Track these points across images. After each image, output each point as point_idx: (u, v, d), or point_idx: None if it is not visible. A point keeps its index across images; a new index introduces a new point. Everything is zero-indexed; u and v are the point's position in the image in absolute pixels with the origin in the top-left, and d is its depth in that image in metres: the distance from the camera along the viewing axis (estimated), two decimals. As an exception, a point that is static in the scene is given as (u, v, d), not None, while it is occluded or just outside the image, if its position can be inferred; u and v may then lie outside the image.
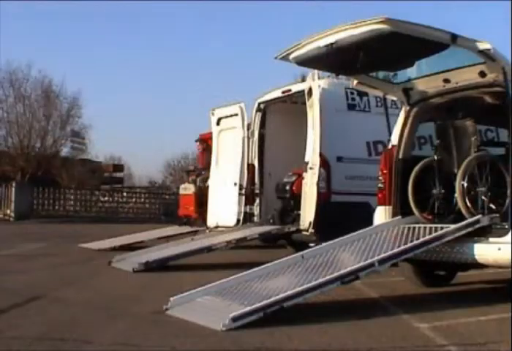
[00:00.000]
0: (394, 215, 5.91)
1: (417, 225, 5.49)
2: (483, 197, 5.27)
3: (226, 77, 73.38)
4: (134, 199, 27.17)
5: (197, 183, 11.85)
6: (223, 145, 10.09)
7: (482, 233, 5.01)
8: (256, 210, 9.24)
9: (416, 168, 5.78)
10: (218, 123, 10.14)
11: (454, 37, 4.80)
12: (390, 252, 4.83)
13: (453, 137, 5.69)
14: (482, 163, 5.35)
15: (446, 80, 5.67)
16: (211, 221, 9.91)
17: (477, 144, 5.54)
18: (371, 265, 4.69)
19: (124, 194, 28.43)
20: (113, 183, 44.71)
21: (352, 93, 8.36)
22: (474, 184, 5.31)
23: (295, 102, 9.15)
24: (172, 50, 73.27)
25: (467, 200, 5.28)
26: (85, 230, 15.46)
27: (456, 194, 5.35)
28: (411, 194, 5.76)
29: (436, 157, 5.80)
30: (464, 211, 5.28)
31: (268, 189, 9.28)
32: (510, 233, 4.83)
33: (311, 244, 7.18)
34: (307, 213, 7.93)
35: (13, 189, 21.32)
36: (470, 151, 5.51)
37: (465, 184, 5.29)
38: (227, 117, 9.92)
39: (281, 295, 4.31)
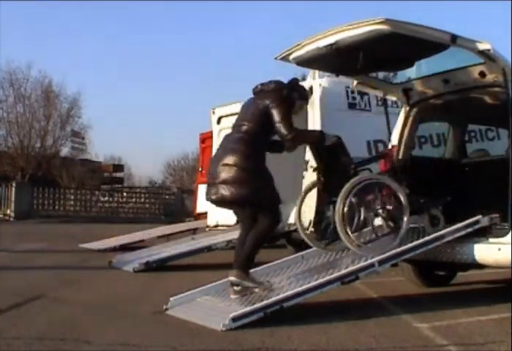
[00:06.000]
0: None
1: (417, 225, 5.49)
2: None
3: (226, 76, 73.39)
4: (134, 199, 27.21)
5: None
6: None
7: (482, 233, 5.01)
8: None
9: (304, 189, 5.54)
10: (218, 122, 10.14)
11: (454, 37, 4.80)
12: (390, 252, 4.83)
13: (327, 158, 5.10)
14: (365, 186, 4.94)
15: (446, 81, 5.66)
16: (211, 221, 9.91)
17: (353, 166, 5.07)
18: (371, 265, 4.69)
19: (124, 194, 28.48)
20: (113, 183, 44.76)
21: (352, 92, 8.35)
22: (358, 208, 4.95)
23: (296, 101, 9.14)
24: (172, 50, 73.28)
25: (347, 229, 4.84)
26: (85, 230, 15.47)
27: (337, 223, 4.86)
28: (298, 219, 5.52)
29: (320, 179, 5.27)
30: (345, 241, 4.87)
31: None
32: (510, 233, 4.84)
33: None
34: (307, 211, 7.92)
35: (13, 189, 21.36)
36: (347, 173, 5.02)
37: (345, 210, 4.81)
38: (227, 116, 9.91)
39: (281, 295, 4.31)
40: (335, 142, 4.91)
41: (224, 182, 4.55)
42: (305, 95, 5.13)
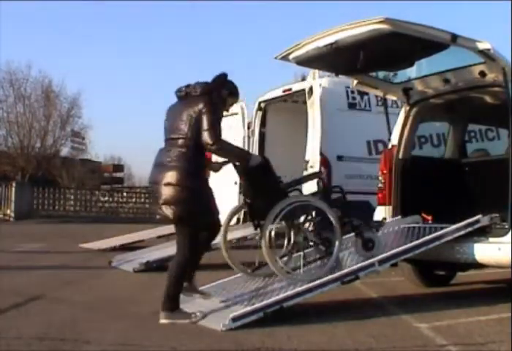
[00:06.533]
0: (394, 215, 5.91)
1: (417, 225, 5.49)
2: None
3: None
4: (134, 200, 27.18)
5: None
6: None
7: (482, 233, 5.01)
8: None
9: (229, 213, 5.06)
10: (218, 122, 10.14)
11: (454, 37, 4.80)
12: (390, 252, 4.83)
13: (254, 179, 4.67)
14: (295, 209, 4.58)
15: (446, 80, 5.67)
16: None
17: (279, 187, 4.70)
18: (371, 265, 4.68)
19: (124, 194, 28.46)
20: (113, 183, 44.75)
21: (352, 92, 8.36)
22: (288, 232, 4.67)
23: (296, 101, 9.15)
24: (172, 50, 73.30)
25: (277, 258, 4.62)
26: (85, 230, 15.46)
27: (263, 248, 4.53)
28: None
29: (246, 201, 4.84)
30: (272, 267, 4.59)
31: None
32: (510, 233, 4.84)
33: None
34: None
35: (13, 189, 21.35)
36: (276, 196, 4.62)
37: (273, 235, 4.48)
38: (227, 116, 9.89)
39: (281, 295, 4.31)
40: (261, 163, 4.53)
41: (167, 202, 4.25)
42: (235, 90, 4.71)
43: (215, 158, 5.02)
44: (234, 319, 4.00)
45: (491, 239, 4.97)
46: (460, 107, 6.29)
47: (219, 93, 4.55)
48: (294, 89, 8.83)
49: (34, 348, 3.53)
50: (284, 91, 9.04)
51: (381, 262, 4.72)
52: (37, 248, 10.13)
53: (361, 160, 8.20)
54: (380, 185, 6.08)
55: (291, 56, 5.50)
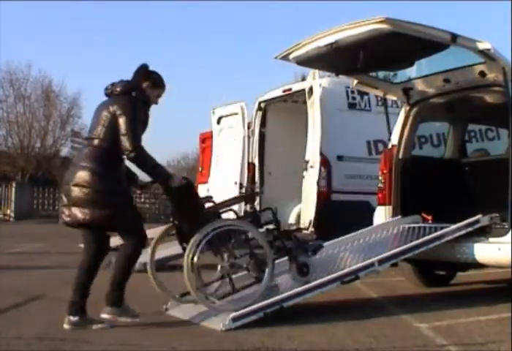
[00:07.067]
0: (394, 215, 5.91)
1: (417, 225, 5.49)
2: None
3: (226, 76, 73.41)
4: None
5: None
6: (223, 144, 10.10)
7: (482, 233, 5.01)
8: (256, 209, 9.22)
9: (156, 237, 4.70)
10: (218, 122, 10.14)
11: (454, 37, 4.81)
12: (390, 252, 4.83)
13: (179, 200, 4.44)
14: (222, 233, 4.35)
15: (446, 80, 5.67)
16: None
17: (203, 210, 4.46)
18: (371, 264, 4.68)
19: (124, 193, 28.37)
20: (113, 182, 44.63)
21: (352, 92, 8.35)
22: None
23: (296, 101, 9.14)
24: (171, 49, 73.33)
25: (198, 281, 4.40)
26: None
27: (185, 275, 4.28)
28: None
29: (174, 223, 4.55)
30: (194, 295, 4.33)
31: (268, 188, 9.28)
32: (510, 233, 4.84)
33: (311, 243, 7.17)
34: (307, 211, 7.93)
35: (13, 189, 21.41)
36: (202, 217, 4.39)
37: (195, 260, 4.24)
38: (227, 116, 9.92)
39: (281, 295, 4.31)
40: (183, 185, 4.28)
41: (77, 204, 4.06)
42: (159, 80, 4.41)
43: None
44: (234, 319, 4.01)
45: (491, 239, 4.97)
46: (460, 107, 6.28)
47: (141, 89, 4.28)
48: (294, 89, 8.82)
49: (34, 348, 3.53)
50: (284, 91, 9.03)
51: (381, 262, 4.71)
52: (37, 248, 10.14)
53: (361, 160, 8.19)
54: (380, 185, 6.08)
55: (291, 56, 5.50)
